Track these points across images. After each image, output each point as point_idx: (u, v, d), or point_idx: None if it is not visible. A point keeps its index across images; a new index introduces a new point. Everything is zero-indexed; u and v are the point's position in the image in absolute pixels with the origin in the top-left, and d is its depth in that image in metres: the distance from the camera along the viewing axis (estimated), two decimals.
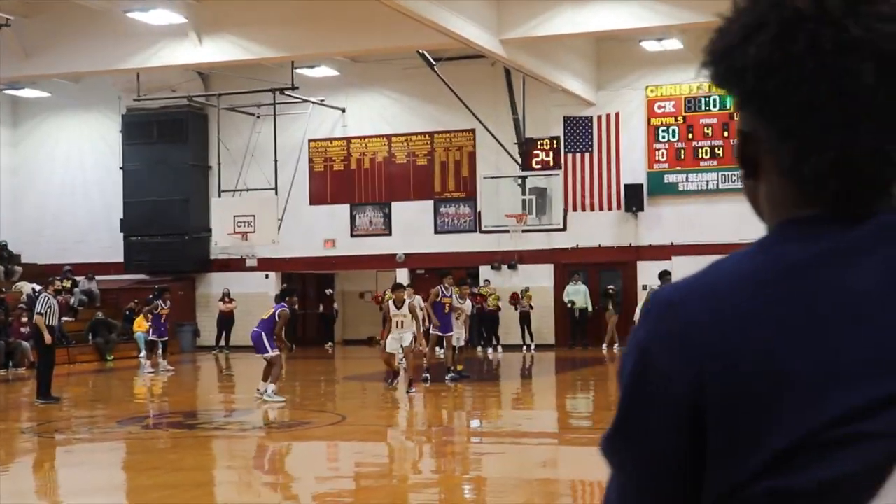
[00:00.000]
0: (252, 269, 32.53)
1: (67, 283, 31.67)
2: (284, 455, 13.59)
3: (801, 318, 1.15)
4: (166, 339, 25.43)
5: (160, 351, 24.86)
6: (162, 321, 25.03)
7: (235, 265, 32.45)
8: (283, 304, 17.18)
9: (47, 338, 18.42)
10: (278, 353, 17.10)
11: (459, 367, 20.49)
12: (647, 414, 1.20)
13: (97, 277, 32.89)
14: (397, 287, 19.25)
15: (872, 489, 1.07)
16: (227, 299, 31.00)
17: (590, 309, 29.68)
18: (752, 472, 1.12)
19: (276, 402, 16.96)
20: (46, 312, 19.39)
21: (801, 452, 1.10)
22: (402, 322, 18.21)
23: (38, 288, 30.01)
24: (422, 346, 19.10)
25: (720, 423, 1.15)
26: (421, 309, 19.24)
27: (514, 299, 29.67)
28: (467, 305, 21.95)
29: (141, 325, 27.25)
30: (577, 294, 29.67)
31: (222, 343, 31.08)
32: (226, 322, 31.12)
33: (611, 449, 1.24)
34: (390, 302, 18.54)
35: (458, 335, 20.78)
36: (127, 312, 30.16)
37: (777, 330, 1.15)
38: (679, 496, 1.19)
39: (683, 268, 27.38)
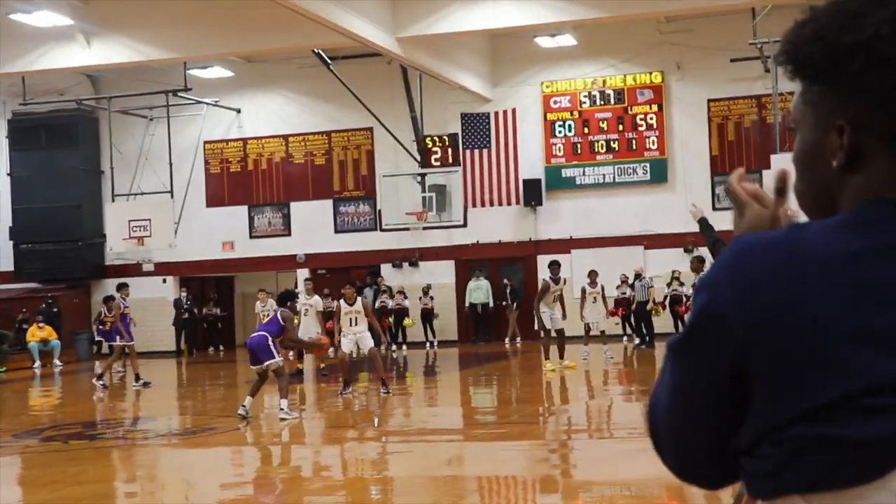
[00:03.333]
0: (149, 273, 32.18)
1: None
2: (189, 463, 13.42)
3: (874, 291, 1.27)
4: (132, 342, 23.50)
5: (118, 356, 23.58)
6: (125, 321, 23.75)
7: (132, 270, 31.97)
8: (284, 307, 16.13)
9: None
10: (282, 361, 15.97)
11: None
12: (705, 341, 1.36)
13: None
14: (349, 285, 18.63)
15: None
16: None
17: (491, 304, 29.84)
18: (788, 419, 1.29)
19: (290, 418, 15.26)
20: None
21: (842, 409, 1.26)
22: (355, 319, 17.70)
23: None
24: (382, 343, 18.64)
25: (764, 369, 1.31)
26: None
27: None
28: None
29: (34, 335, 26.76)
30: (479, 290, 29.81)
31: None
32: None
33: (673, 353, 1.42)
34: (341, 301, 18.04)
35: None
36: (19, 322, 29.58)
37: (842, 300, 1.27)
38: (715, 414, 1.38)
39: (582, 260, 27.76)
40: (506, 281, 29.32)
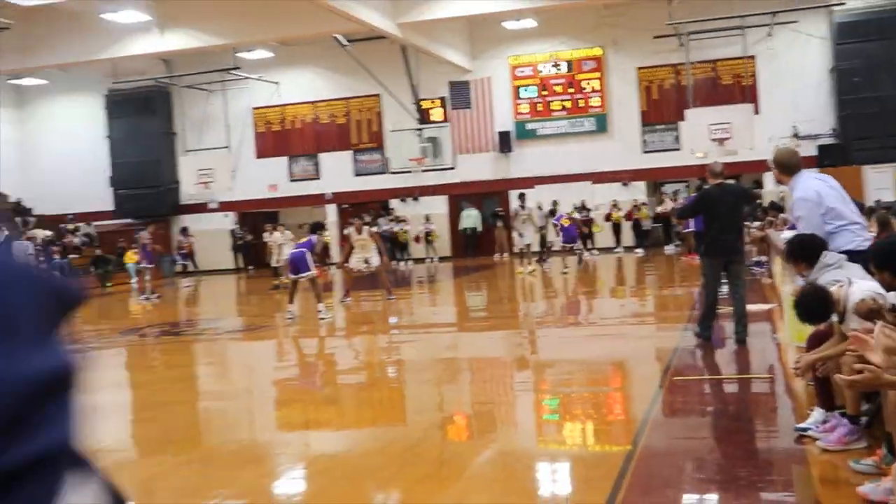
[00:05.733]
0: (214, 210, 31.97)
1: (70, 227, 31.13)
2: (251, 351, 13.28)
3: None
4: (152, 265, 23.82)
5: (147, 277, 23.68)
6: (147, 251, 23.72)
7: (200, 208, 31.84)
8: (315, 235, 15.67)
9: None
10: (316, 272, 15.21)
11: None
12: None
13: (94, 223, 32.04)
14: (357, 218, 18.08)
15: None
16: (187, 235, 29.47)
17: (479, 229, 29.66)
18: None
19: (327, 318, 14.82)
20: (24, 251, 19.08)
21: None
22: (363, 245, 17.04)
23: (49, 234, 29.24)
24: (386, 263, 17.77)
25: None
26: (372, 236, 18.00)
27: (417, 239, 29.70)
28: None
29: (130, 258, 26.51)
30: (470, 217, 29.67)
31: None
32: (190, 254, 30.14)
33: None
34: (352, 230, 17.35)
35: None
36: (119, 249, 29.39)
37: None
38: None
39: (543, 193, 27.52)
40: (500, 210, 28.73)
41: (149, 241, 23.44)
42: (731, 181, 10.47)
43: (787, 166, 7.19)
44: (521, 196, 23.87)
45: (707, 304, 9.88)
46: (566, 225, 22.24)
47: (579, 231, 27.10)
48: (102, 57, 25.13)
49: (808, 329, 6.20)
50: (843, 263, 6.03)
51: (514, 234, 22.54)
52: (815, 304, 5.46)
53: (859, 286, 5.26)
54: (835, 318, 5.48)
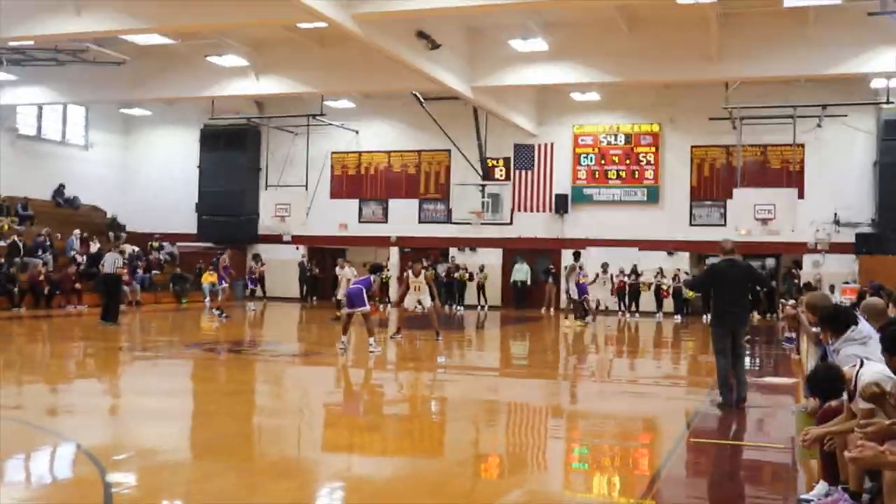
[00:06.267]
0: (287, 242, 32.41)
1: (156, 244, 31.85)
2: (304, 375, 13.40)
3: None
4: (227, 286, 23.95)
5: (220, 296, 23.98)
6: (226, 271, 23.67)
7: (275, 239, 32.31)
8: (374, 274, 15.81)
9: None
10: (370, 308, 15.14)
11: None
12: None
13: (178, 244, 32.69)
14: (416, 261, 18.11)
15: None
16: (259, 263, 29.59)
17: (528, 282, 29.57)
18: None
19: (377, 351, 14.84)
20: (114, 262, 19.58)
21: None
22: (418, 287, 17.14)
23: (136, 249, 29.99)
24: (437, 305, 17.68)
25: None
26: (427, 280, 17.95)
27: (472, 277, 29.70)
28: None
29: (206, 279, 27.00)
30: (521, 272, 29.60)
31: (259, 294, 30.38)
32: (260, 280, 30.29)
33: None
34: (409, 272, 17.46)
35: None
36: (197, 269, 29.93)
37: None
38: None
39: (594, 256, 27.44)
40: (551, 266, 28.58)
41: (228, 264, 23.92)
42: (740, 257, 10.56)
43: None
44: (577, 254, 24.03)
45: (721, 372, 9.94)
46: (581, 282, 22.94)
47: (622, 292, 27.19)
48: (203, 95, 25.88)
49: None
50: (869, 341, 5.91)
51: (570, 286, 22.69)
52: (826, 382, 5.41)
53: (869, 368, 5.18)
54: (845, 396, 5.40)
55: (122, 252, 22.10)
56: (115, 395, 10.96)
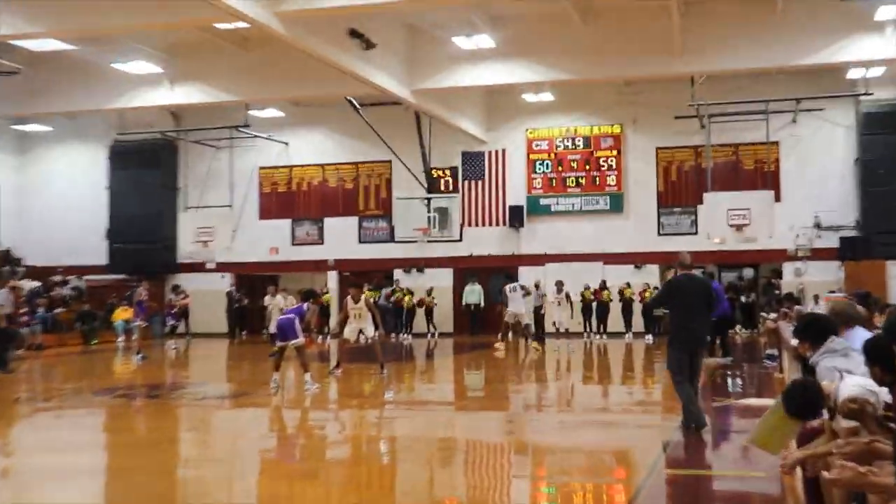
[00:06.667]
0: (211, 270, 32.12)
1: (59, 279, 31.32)
2: (232, 419, 13.26)
3: None
4: (146, 324, 23.87)
5: (135, 336, 23.65)
6: (142, 308, 23.41)
7: (198, 267, 32.00)
8: (307, 302, 15.66)
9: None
10: (304, 340, 15.18)
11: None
12: None
13: (85, 277, 32.17)
14: (355, 286, 17.97)
15: None
16: (181, 295, 29.15)
17: (482, 305, 29.59)
18: None
19: (313, 389, 14.75)
20: (4, 304, 19.26)
21: None
22: (359, 314, 17.01)
23: (36, 284, 29.43)
24: (381, 335, 17.40)
25: None
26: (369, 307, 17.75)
27: (421, 302, 29.59)
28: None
29: (119, 315, 26.63)
30: (473, 293, 29.57)
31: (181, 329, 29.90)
32: (182, 314, 29.85)
33: None
34: (349, 298, 17.28)
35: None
36: (108, 305, 29.50)
37: None
38: None
39: (554, 272, 27.65)
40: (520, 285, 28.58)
41: (145, 297, 23.61)
42: (698, 272, 10.96)
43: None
44: (510, 276, 24.57)
45: (685, 397, 10.23)
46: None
47: (588, 311, 27.47)
48: (110, 106, 25.63)
49: (777, 436, 5.69)
50: (849, 352, 5.95)
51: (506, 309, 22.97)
52: (803, 400, 5.39)
53: (848, 381, 5.27)
54: (826, 414, 5.48)
55: (13, 288, 21.67)
56: (9, 454, 10.69)
